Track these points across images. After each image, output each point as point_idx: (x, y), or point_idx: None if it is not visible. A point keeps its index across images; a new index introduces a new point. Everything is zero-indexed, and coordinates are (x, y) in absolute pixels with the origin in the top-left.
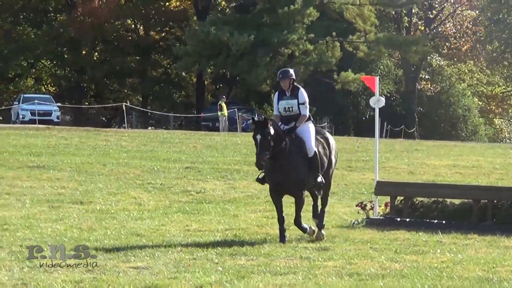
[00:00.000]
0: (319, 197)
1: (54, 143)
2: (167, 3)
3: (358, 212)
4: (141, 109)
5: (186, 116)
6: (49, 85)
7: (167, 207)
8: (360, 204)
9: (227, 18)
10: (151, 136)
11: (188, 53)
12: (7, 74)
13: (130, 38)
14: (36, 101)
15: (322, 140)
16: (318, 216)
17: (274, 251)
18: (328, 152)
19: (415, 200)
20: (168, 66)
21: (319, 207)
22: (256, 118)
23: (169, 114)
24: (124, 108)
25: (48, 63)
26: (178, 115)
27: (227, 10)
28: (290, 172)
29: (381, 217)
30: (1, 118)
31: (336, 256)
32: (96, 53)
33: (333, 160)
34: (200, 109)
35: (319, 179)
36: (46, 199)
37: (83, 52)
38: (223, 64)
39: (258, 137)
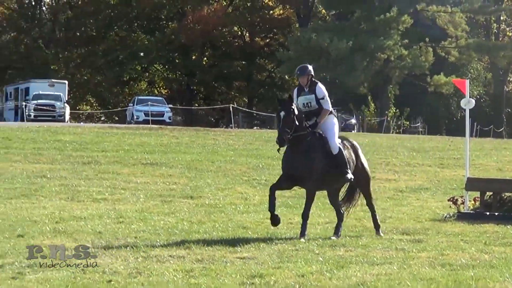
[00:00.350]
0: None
1: (166, 142)
2: (271, 11)
3: (450, 207)
4: (247, 110)
5: None
6: (161, 88)
7: None
8: (451, 199)
9: (327, 25)
10: (256, 135)
11: (291, 58)
12: (122, 77)
13: (237, 44)
14: (149, 102)
15: (349, 145)
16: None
17: (371, 243)
18: (355, 159)
19: (503, 195)
20: (272, 70)
21: (372, 213)
22: (280, 97)
23: (273, 114)
24: (231, 109)
25: (161, 67)
26: None
27: (327, 17)
28: (306, 167)
29: (471, 211)
30: (117, 119)
31: (429, 248)
32: (205, 58)
33: (364, 167)
34: None
35: (349, 175)
36: (159, 194)
37: (193, 57)
38: (323, 68)
39: (282, 113)
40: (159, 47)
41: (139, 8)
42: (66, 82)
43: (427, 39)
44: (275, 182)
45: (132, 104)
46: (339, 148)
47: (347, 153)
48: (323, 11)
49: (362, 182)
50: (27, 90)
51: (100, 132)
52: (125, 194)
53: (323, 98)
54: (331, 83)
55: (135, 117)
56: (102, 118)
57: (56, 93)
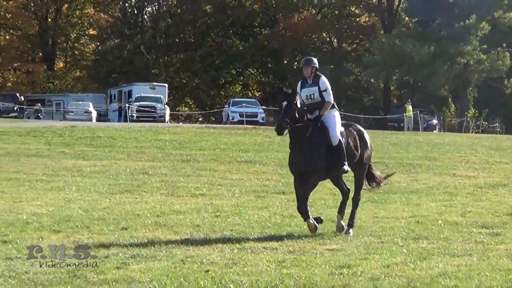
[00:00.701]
0: (351, 197)
1: (259, 141)
2: (357, 19)
3: None
4: None
5: (374, 117)
6: (255, 91)
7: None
8: None
9: (410, 31)
10: None
11: (376, 63)
12: (218, 81)
13: (325, 49)
14: (244, 104)
15: (354, 132)
16: (347, 215)
17: (452, 236)
18: (359, 146)
19: None
20: (358, 73)
21: (351, 208)
22: (284, 89)
23: (360, 115)
24: None
25: (254, 71)
26: (367, 116)
27: (410, 24)
28: (310, 158)
29: None
30: (214, 119)
31: (507, 240)
32: (296, 63)
33: (366, 155)
34: (387, 111)
35: (345, 167)
36: (253, 189)
37: (285, 62)
38: (406, 72)
39: (284, 103)
40: (253, 52)
41: (234, 16)
42: (166, 85)
43: (504, 45)
44: (298, 202)
45: (227, 106)
46: (339, 140)
47: (351, 142)
48: (406, 18)
49: (358, 173)
50: (130, 92)
51: (198, 132)
52: (222, 189)
53: (325, 90)
54: (414, 86)
55: (231, 117)
56: (200, 119)
57: (157, 95)
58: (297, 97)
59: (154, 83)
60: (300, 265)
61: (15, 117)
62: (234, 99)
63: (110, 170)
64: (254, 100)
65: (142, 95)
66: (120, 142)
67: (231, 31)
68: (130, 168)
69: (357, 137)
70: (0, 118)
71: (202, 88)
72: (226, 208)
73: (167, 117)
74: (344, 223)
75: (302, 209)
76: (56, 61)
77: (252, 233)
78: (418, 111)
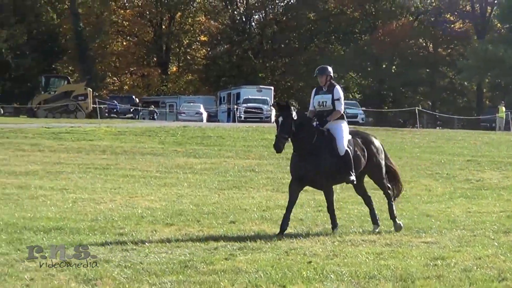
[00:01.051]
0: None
1: None
2: (452, 25)
3: None
4: (431, 112)
5: (468, 118)
6: (355, 93)
7: (452, 193)
8: None
9: (502, 37)
10: (439, 135)
11: (470, 66)
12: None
13: (421, 54)
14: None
15: (359, 140)
16: (392, 218)
17: None
18: (367, 153)
19: None
20: (452, 77)
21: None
22: (279, 102)
23: (454, 116)
24: (416, 111)
25: (354, 75)
26: (461, 117)
27: (502, 30)
28: (315, 167)
29: None
30: None
31: None
32: (394, 67)
33: (379, 162)
34: (479, 112)
35: (352, 177)
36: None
37: (383, 66)
38: (498, 75)
39: (280, 119)
40: (353, 57)
41: (336, 23)
42: (272, 87)
43: None
44: (288, 200)
45: None
46: (346, 150)
47: (358, 150)
48: (498, 24)
49: (375, 175)
50: (238, 95)
51: None
52: None
53: (338, 100)
54: (506, 88)
55: None
56: None
57: (263, 97)
58: (292, 109)
59: (260, 86)
60: (396, 257)
61: (131, 117)
62: None
63: (219, 168)
64: (354, 102)
65: (250, 97)
66: (228, 141)
67: (333, 37)
68: (238, 165)
69: (362, 145)
70: (117, 118)
71: (305, 90)
72: (324, 203)
73: (273, 118)
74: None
75: (331, 213)
76: (169, 66)
77: (352, 227)
78: (509, 112)
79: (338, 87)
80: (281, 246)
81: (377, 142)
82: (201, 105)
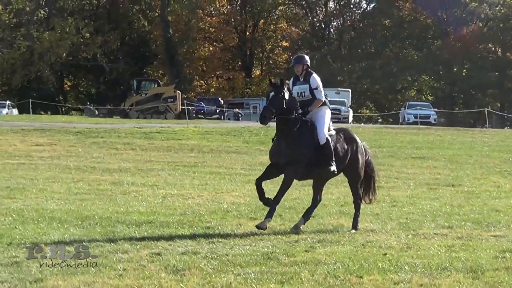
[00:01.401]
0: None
1: (432, 140)
2: None
3: None
4: (500, 113)
5: None
6: (428, 95)
7: None
8: None
9: None
10: (507, 134)
11: None
12: (395, 87)
13: (490, 58)
14: (418, 107)
15: (342, 137)
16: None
17: None
18: (350, 151)
19: None
20: None
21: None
22: (272, 80)
23: None
24: (486, 112)
25: (427, 78)
26: None
27: None
28: (290, 152)
29: None
30: (392, 120)
31: None
32: (464, 70)
33: (360, 161)
34: None
35: (332, 168)
36: (426, 182)
37: (454, 69)
38: None
39: (271, 93)
40: (426, 61)
41: (410, 29)
42: (350, 90)
43: None
44: (260, 175)
45: (403, 108)
46: (327, 139)
47: (339, 146)
48: None
49: (351, 179)
50: None
51: (377, 132)
52: (398, 182)
53: (316, 88)
54: None
55: (406, 119)
56: (379, 120)
57: (341, 99)
58: (285, 89)
59: (339, 89)
60: (467, 249)
61: (217, 118)
62: (410, 103)
63: None
64: (427, 103)
65: (328, 99)
66: None
67: (407, 42)
68: None
69: (344, 143)
70: (204, 119)
71: (381, 93)
72: (401, 198)
73: (351, 118)
74: (302, 227)
75: (274, 204)
76: (253, 69)
77: (425, 221)
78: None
79: (314, 75)
80: (358, 239)
81: (359, 141)
82: None
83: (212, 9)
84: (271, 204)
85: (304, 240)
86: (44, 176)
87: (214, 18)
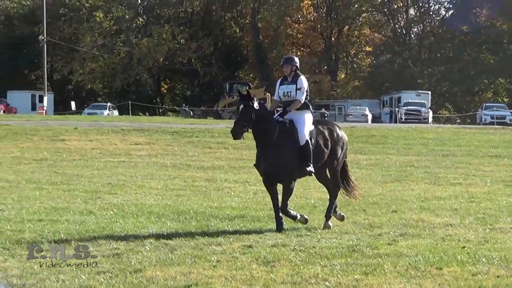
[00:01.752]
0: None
1: (508, 139)
2: None
3: None
4: None
5: None
6: (503, 97)
7: None
8: None
9: None
10: None
11: None
12: (473, 89)
13: None
14: (494, 108)
15: (325, 130)
16: (327, 209)
17: None
18: (330, 143)
19: None
20: None
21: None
22: (241, 91)
23: None
24: None
25: (503, 80)
26: None
27: None
28: (278, 160)
29: None
30: (469, 121)
31: None
32: None
33: (339, 152)
34: None
35: (309, 168)
36: (502, 179)
37: None
38: None
39: (241, 107)
40: (502, 65)
41: (487, 34)
42: (429, 92)
43: None
44: (271, 199)
45: (480, 109)
46: (307, 140)
47: (322, 139)
48: None
49: (330, 165)
50: (399, 99)
51: (456, 132)
52: (476, 179)
53: (299, 89)
54: None
55: (483, 119)
56: (457, 121)
57: (421, 101)
58: (254, 99)
59: (419, 91)
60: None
61: None
62: (486, 104)
63: (382, 163)
64: (503, 105)
65: (409, 101)
66: (391, 140)
67: (484, 47)
68: (399, 161)
69: (327, 135)
70: None
71: (459, 95)
72: (479, 195)
73: (430, 119)
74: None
75: (286, 213)
76: (338, 73)
77: (501, 216)
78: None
79: (302, 77)
80: (437, 233)
81: (341, 133)
82: (367, 108)
83: (299, 16)
84: (280, 213)
85: (386, 234)
86: (142, 173)
87: (301, 25)
